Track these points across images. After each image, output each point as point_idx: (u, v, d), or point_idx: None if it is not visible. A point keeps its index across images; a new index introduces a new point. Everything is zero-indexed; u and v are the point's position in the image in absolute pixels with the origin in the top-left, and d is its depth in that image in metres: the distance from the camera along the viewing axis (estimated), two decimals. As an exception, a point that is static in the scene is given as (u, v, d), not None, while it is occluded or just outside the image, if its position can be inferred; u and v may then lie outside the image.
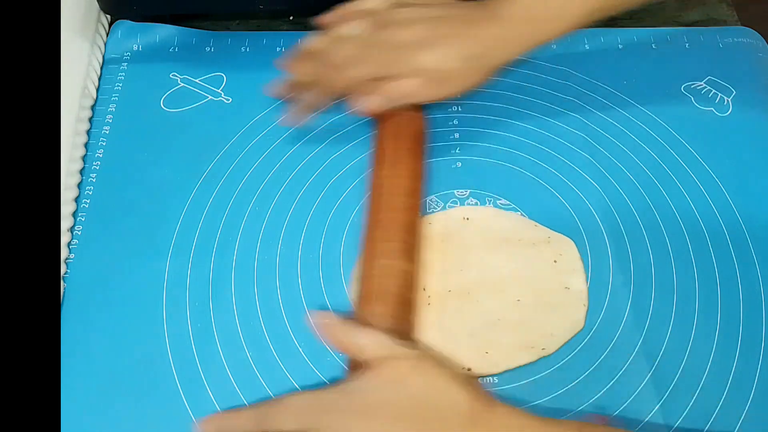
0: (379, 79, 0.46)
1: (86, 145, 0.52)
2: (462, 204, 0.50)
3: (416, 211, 0.46)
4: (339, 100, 0.52)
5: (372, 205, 0.46)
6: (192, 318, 0.45)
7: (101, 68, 0.57)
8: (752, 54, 0.58)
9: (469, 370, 0.43)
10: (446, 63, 0.45)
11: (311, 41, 0.50)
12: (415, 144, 0.49)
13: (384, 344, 0.39)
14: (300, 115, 0.51)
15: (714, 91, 0.56)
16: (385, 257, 0.43)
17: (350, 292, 0.46)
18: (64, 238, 0.47)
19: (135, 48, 0.58)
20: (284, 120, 0.52)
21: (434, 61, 0.45)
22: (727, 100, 0.55)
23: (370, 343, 0.39)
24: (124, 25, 0.59)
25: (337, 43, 0.48)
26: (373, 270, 0.43)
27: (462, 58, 0.45)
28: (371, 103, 0.47)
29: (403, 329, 0.42)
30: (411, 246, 0.44)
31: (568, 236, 0.48)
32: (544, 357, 0.43)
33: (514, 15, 0.46)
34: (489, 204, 0.49)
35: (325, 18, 0.50)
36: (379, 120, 0.50)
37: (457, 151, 0.52)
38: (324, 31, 0.49)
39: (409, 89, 0.46)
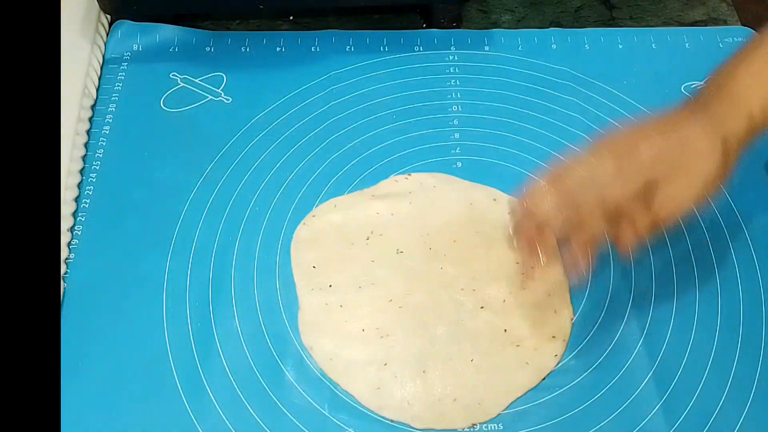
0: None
1: (86, 145, 0.52)
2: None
3: None
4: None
5: None
6: (192, 318, 0.45)
7: (101, 68, 0.57)
8: (752, 54, 0.58)
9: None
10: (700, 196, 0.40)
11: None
12: None
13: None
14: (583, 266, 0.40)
15: (714, 91, 0.55)
16: None
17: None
18: (64, 238, 0.47)
19: (135, 48, 0.58)
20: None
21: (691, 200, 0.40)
22: (727, 100, 0.55)
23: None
24: (124, 25, 0.59)
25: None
26: None
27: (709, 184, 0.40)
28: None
29: None
30: None
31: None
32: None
33: (732, 109, 0.40)
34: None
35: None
36: None
37: (457, 151, 0.52)
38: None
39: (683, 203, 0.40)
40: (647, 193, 0.39)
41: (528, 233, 0.41)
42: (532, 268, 0.42)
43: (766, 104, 0.41)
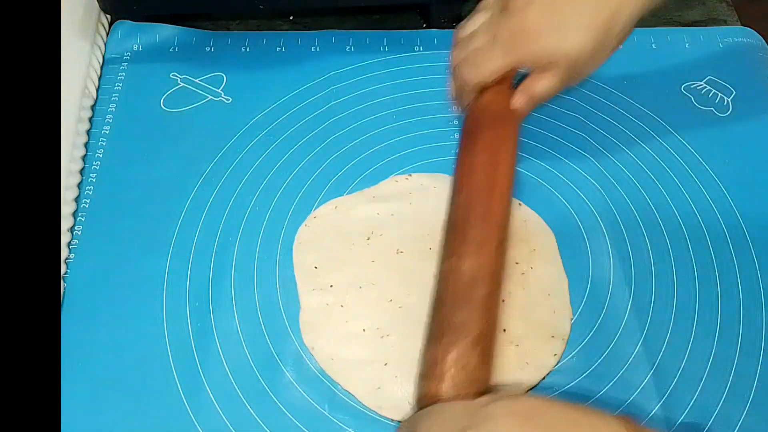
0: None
1: (86, 145, 0.52)
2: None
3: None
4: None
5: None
6: (192, 318, 0.45)
7: (101, 68, 0.57)
8: (752, 54, 0.58)
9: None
10: (578, 49, 0.42)
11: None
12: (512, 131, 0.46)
13: None
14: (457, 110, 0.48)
15: (714, 91, 0.56)
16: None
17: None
18: (64, 238, 0.47)
19: (135, 48, 0.58)
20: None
21: (567, 48, 0.42)
22: (727, 100, 0.55)
23: None
24: (124, 25, 0.59)
25: (468, 40, 0.46)
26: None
27: (592, 39, 0.41)
28: (517, 102, 0.45)
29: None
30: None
31: (568, 235, 0.48)
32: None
33: None
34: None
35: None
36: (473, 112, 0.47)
37: (457, 150, 0.52)
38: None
39: (550, 85, 0.44)
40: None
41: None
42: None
43: None
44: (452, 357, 0.38)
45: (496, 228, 0.42)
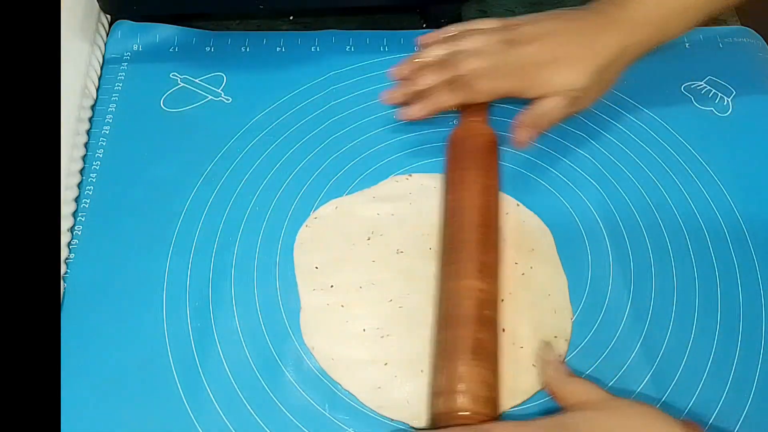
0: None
1: (86, 145, 0.52)
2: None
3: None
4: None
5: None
6: (192, 318, 0.45)
7: (101, 68, 0.57)
8: (752, 54, 0.58)
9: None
10: (579, 82, 0.46)
11: (441, 34, 0.51)
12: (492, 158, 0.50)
13: (597, 390, 0.39)
14: (425, 110, 0.49)
15: (714, 91, 0.56)
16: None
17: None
18: (64, 238, 0.47)
19: (135, 48, 0.58)
20: (404, 113, 0.50)
21: (567, 82, 0.46)
22: (727, 100, 0.55)
23: (585, 390, 0.39)
24: (124, 25, 0.59)
25: (465, 48, 0.49)
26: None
27: (591, 75, 0.46)
28: (522, 120, 0.47)
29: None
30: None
31: (567, 236, 0.48)
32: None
33: (633, 19, 0.46)
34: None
35: (434, 34, 0.51)
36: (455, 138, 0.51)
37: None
38: (448, 37, 0.51)
39: (553, 108, 0.47)
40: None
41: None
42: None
43: (668, 14, 0.46)
44: (469, 373, 0.39)
45: (496, 249, 0.45)
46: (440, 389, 0.40)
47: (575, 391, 0.39)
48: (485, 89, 0.48)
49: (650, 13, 0.46)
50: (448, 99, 0.49)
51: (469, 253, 0.44)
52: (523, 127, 0.48)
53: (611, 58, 0.46)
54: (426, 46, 0.51)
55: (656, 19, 0.46)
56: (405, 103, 0.50)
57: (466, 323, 0.41)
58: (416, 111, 0.49)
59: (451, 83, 0.48)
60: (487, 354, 0.41)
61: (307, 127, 0.53)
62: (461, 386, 0.39)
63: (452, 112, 0.54)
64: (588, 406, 0.38)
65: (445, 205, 0.48)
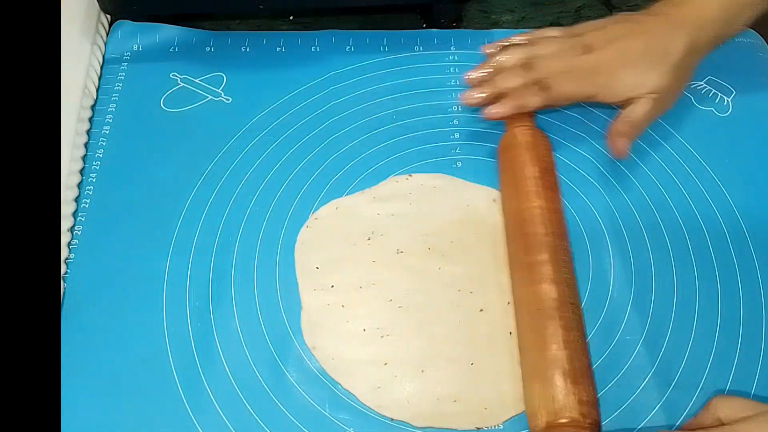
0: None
1: (86, 145, 0.52)
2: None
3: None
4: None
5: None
6: (192, 318, 0.45)
7: (101, 68, 0.57)
8: (752, 54, 0.58)
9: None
10: (657, 83, 0.47)
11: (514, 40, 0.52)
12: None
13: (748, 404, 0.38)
14: (510, 109, 0.49)
15: (714, 91, 0.56)
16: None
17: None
18: (64, 238, 0.47)
19: (135, 48, 0.58)
20: (491, 111, 0.50)
21: (647, 84, 0.47)
22: (727, 100, 0.55)
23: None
24: (124, 25, 0.59)
25: (542, 53, 0.50)
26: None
27: (666, 75, 0.47)
28: (617, 129, 0.48)
29: None
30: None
31: (569, 235, 0.48)
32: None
33: (697, 18, 0.47)
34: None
35: (501, 42, 0.52)
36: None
37: (457, 150, 0.52)
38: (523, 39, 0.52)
39: (641, 113, 0.48)
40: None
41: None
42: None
43: (730, 6, 0.48)
44: (569, 390, 0.39)
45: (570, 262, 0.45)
46: (534, 411, 0.39)
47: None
48: (565, 92, 0.49)
49: (713, 13, 0.47)
50: (531, 100, 0.49)
51: (568, 264, 0.44)
52: (618, 137, 0.48)
53: (682, 56, 0.47)
54: (493, 55, 0.51)
55: (718, 16, 0.48)
56: (482, 105, 0.50)
57: (550, 343, 0.41)
58: (502, 109, 0.49)
59: (533, 85, 0.49)
60: (579, 367, 0.40)
61: (307, 127, 0.53)
62: (557, 404, 0.39)
63: (452, 113, 0.54)
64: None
65: (519, 210, 0.46)
